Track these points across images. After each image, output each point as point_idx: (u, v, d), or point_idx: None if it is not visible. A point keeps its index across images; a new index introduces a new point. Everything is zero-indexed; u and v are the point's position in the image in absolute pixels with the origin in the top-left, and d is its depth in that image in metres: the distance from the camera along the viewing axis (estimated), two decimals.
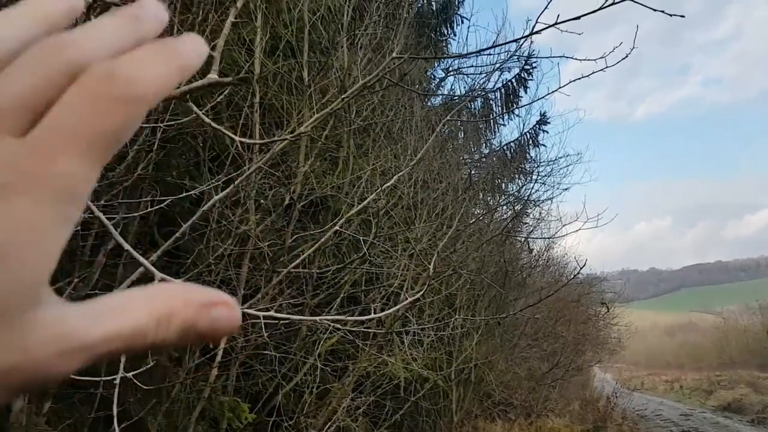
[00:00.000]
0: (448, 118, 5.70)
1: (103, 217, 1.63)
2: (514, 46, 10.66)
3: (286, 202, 6.83)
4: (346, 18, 7.49)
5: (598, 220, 9.00)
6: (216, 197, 2.85)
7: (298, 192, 6.67)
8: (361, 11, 8.13)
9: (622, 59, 3.94)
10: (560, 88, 4.80)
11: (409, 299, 2.60)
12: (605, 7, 2.92)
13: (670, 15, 2.85)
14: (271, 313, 2.10)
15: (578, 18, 3.14)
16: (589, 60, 4.18)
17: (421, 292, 2.71)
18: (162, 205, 3.48)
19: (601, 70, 4.12)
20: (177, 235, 2.83)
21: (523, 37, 4.03)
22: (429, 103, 12.05)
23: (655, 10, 3.02)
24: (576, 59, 4.31)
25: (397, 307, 2.83)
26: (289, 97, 7.06)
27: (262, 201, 6.82)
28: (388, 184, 5.93)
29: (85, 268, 4.66)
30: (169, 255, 6.54)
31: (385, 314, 4.18)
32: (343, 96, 3.60)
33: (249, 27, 6.56)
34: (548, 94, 7.40)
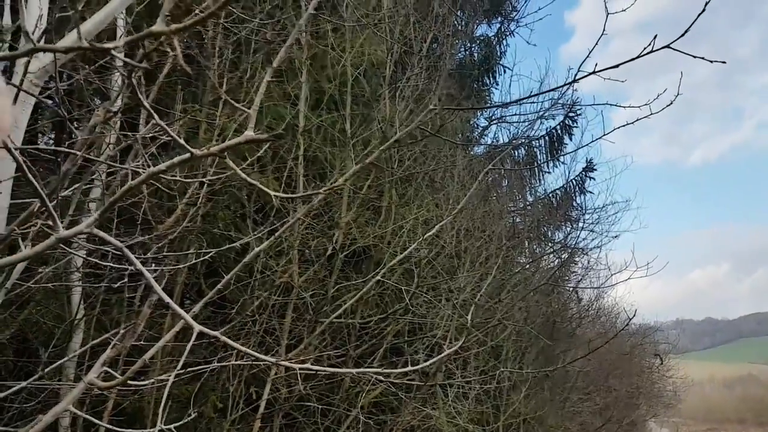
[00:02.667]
0: (490, 167, 5.68)
1: (145, 271, 1.65)
2: (557, 94, 10.67)
3: (329, 252, 6.85)
4: (388, 71, 7.65)
5: (648, 269, 8.69)
6: (257, 249, 2.87)
7: (340, 242, 6.69)
8: (402, 64, 8.30)
9: (667, 106, 3.86)
10: (605, 135, 4.73)
11: (448, 350, 2.52)
12: (643, 56, 2.89)
13: (711, 62, 2.79)
14: (307, 365, 2.06)
15: (617, 66, 3.11)
16: (633, 107, 4.12)
17: (460, 343, 2.63)
18: (207, 257, 3.53)
19: (646, 117, 4.06)
20: (219, 286, 2.85)
21: (561, 86, 4.02)
22: (472, 152, 12.07)
23: (695, 57, 2.97)
24: (621, 106, 4.26)
25: (435, 359, 2.75)
26: (332, 149, 7.18)
27: (305, 251, 6.87)
28: (430, 233, 5.90)
29: (134, 318, 4.74)
30: (214, 305, 6.61)
31: (422, 366, 4.08)
32: (380, 149, 3.63)
33: (294, 82, 6.76)
34: (592, 141, 7.34)
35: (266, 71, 1.95)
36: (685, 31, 2.35)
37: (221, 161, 4.78)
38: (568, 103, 10.87)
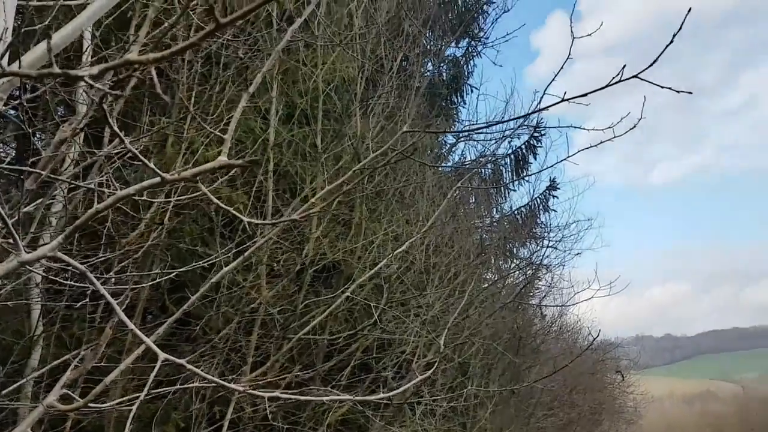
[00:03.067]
0: (459, 185, 5.73)
1: (108, 296, 1.61)
2: (523, 112, 10.87)
3: (298, 267, 6.79)
4: (359, 88, 7.67)
5: (610, 288, 8.87)
6: (225, 269, 2.82)
7: (310, 257, 6.64)
8: (373, 81, 8.34)
9: (630, 129, 3.98)
10: (569, 157, 4.83)
11: (421, 376, 2.52)
12: (612, 85, 2.96)
13: (678, 92, 2.87)
14: (276, 393, 2.03)
15: (585, 95, 3.18)
16: (597, 129, 4.23)
17: (434, 368, 2.63)
18: (172, 275, 3.46)
19: (609, 140, 4.17)
20: (184, 308, 2.79)
21: (531, 113, 4.09)
22: (440, 169, 12.18)
23: (662, 87, 3.05)
24: (585, 129, 4.36)
25: (409, 384, 2.74)
26: (303, 164, 7.15)
27: (273, 266, 6.79)
28: (400, 249, 5.90)
29: (95, 336, 4.61)
30: (179, 321, 6.47)
31: (393, 394, 4.06)
32: (354, 169, 3.63)
33: (265, 96, 6.73)
34: (557, 162, 7.46)
35: (242, 96, 1.93)
36: (654, 62, 2.42)
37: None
38: (533, 124, 11.13)
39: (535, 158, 11.82)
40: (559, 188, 12.75)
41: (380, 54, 8.40)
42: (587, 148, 4.54)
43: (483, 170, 11.88)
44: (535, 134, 11.45)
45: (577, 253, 12.86)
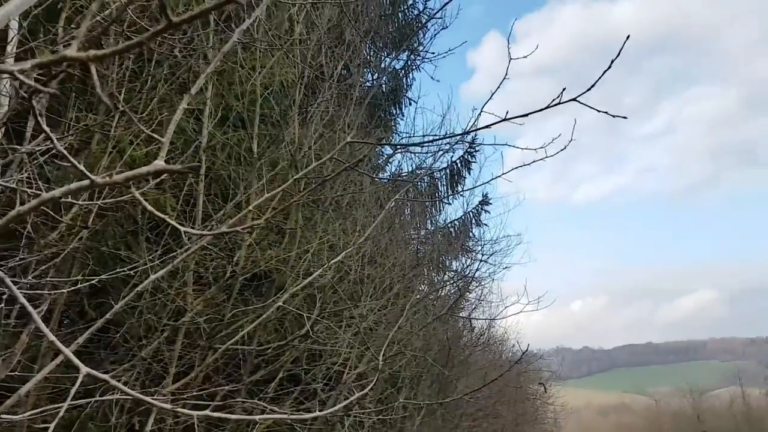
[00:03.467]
0: (398, 197, 5.72)
1: (27, 304, 1.46)
2: (459, 127, 11.09)
3: (228, 274, 6.57)
4: (298, 95, 7.57)
5: (538, 303, 9.14)
6: (152, 277, 2.67)
7: (241, 264, 6.44)
8: (314, 88, 8.25)
9: (561, 150, 4.12)
10: (503, 174, 4.95)
11: (358, 393, 2.45)
12: (551, 107, 3.03)
13: (614, 116, 2.97)
14: (205, 413, 1.91)
15: (526, 115, 3.25)
16: (530, 149, 4.37)
17: (370, 387, 2.58)
18: (94, 281, 3.25)
19: (542, 159, 4.32)
20: (107, 316, 2.61)
21: (472, 131, 4.15)
22: (377, 178, 12.20)
23: (599, 111, 3.15)
24: (518, 148, 4.48)
25: (344, 403, 2.66)
26: (237, 168, 6.95)
27: (201, 272, 6.54)
28: (336, 259, 5.82)
29: (9, 342, 4.26)
30: (98, 328, 6.10)
31: (331, 411, 3.97)
32: (295, 177, 3.54)
33: (199, 97, 6.51)
34: (490, 179, 7.66)
35: (183, 97, 1.83)
36: (591, 86, 2.48)
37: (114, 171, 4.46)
38: (468, 141, 11.36)
39: (470, 173, 12.10)
40: (491, 203, 13.09)
41: (321, 61, 8.33)
42: (520, 166, 4.67)
43: (419, 182, 12.00)
44: (470, 150, 11.69)
45: (506, 267, 13.22)
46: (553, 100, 2.98)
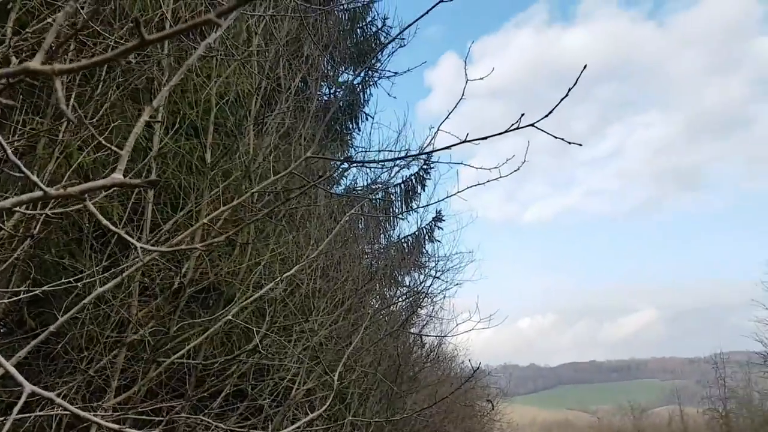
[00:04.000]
0: (353, 211, 5.73)
1: None
2: (415, 144, 11.22)
3: (175, 286, 6.42)
4: (254, 106, 7.51)
5: (489, 321, 9.26)
6: (99, 290, 2.59)
7: (189, 276, 6.30)
8: (270, 100, 8.20)
9: (514, 171, 4.25)
10: (458, 192, 5.04)
11: (313, 414, 2.42)
12: (510, 131, 3.12)
13: (569, 143, 3.06)
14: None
15: (486, 138, 3.33)
16: (484, 169, 4.49)
17: (324, 408, 2.55)
18: (37, 292, 3.12)
19: (496, 179, 4.46)
20: (51, 329, 2.52)
21: (427, 153, 4.21)
22: (333, 193, 12.19)
23: (556, 137, 3.25)
24: (473, 167, 4.59)
25: (290, 429, 2.63)
26: (188, 177, 6.82)
27: (147, 283, 6.36)
28: (288, 273, 5.76)
29: None
30: (36, 337, 5.84)
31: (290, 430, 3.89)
32: (253, 190, 3.51)
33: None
34: (445, 197, 7.74)
35: (145, 110, 1.80)
36: (549, 113, 2.56)
37: (62, 179, 4.31)
38: (423, 157, 11.48)
39: (424, 189, 12.22)
40: (444, 220, 13.24)
41: (279, 73, 8.29)
42: (475, 185, 4.78)
43: (374, 197, 12.06)
44: (426, 167, 11.83)
45: (458, 284, 13.34)
46: (513, 124, 3.06)
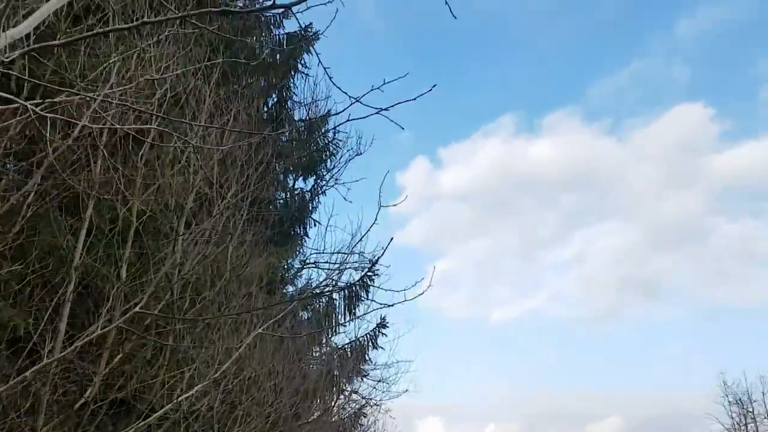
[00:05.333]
0: (259, 331, 5.74)
1: None
2: (370, 246, 11.45)
3: (82, 400, 6.30)
4: (184, 214, 7.67)
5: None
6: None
7: (94, 391, 6.20)
8: (209, 205, 8.33)
9: (425, 291, 4.55)
10: (393, 304, 5.21)
11: None
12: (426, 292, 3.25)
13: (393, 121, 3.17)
14: None
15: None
16: (418, 296, 4.80)
17: None
18: None
19: (420, 294, 4.78)
20: None
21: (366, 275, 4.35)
22: (284, 291, 12.26)
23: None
24: (405, 296, 4.85)
25: None
26: (108, 284, 6.84)
27: (54, 397, 6.24)
28: (187, 394, 5.67)
29: None
30: None
31: None
32: (177, 318, 3.56)
33: (76, 217, 6.55)
34: (390, 305, 7.74)
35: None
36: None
37: None
38: (369, 264, 11.68)
39: (368, 296, 12.27)
40: (388, 326, 13.18)
41: (221, 178, 8.50)
42: (416, 296, 5.07)
43: (317, 302, 12.09)
44: (370, 273, 11.94)
45: (397, 395, 13.17)
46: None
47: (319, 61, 10.15)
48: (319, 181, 12.59)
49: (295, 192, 12.51)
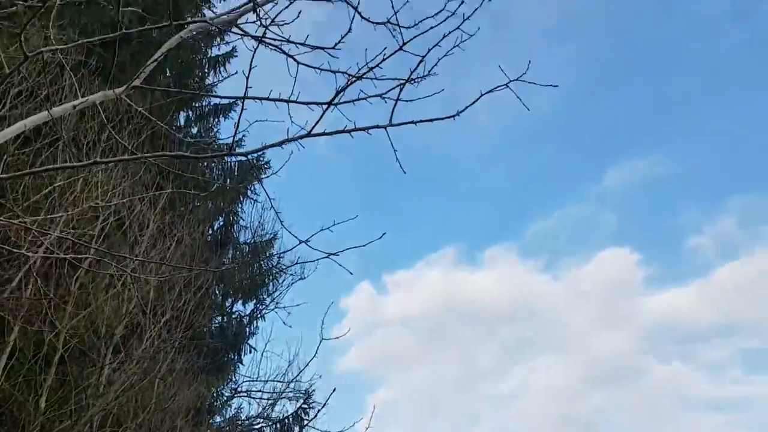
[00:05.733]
0: None
1: None
2: (300, 378, 11.26)
3: None
4: (116, 338, 7.51)
5: None
6: None
7: None
8: (135, 328, 8.14)
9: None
10: None
11: None
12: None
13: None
14: None
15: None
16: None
17: None
18: None
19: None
20: None
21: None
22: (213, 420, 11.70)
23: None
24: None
25: None
26: (25, 414, 6.50)
27: None
28: None
29: None
30: None
31: None
32: None
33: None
34: None
35: None
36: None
37: None
38: (304, 395, 11.43)
39: (302, 430, 11.80)
40: None
41: (155, 305, 8.41)
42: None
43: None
44: (304, 406, 11.62)
45: None
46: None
47: (267, 196, 10.53)
48: (258, 305, 12.51)
49: (233, 316, 12.35)
